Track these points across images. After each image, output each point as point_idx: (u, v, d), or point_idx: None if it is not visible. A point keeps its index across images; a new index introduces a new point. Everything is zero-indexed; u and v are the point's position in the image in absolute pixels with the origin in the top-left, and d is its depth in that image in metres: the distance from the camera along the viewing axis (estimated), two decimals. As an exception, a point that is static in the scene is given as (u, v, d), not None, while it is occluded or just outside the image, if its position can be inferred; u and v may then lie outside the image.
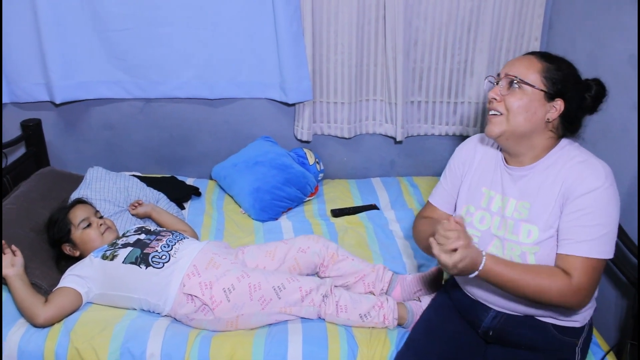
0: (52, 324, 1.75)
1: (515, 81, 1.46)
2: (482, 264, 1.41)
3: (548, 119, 1.47)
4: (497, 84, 1.52)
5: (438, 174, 2.84)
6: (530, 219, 1.50)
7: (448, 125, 2.78)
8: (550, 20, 2.59)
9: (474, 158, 1.68)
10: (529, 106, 1.46)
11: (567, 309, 1.49)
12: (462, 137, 2.82)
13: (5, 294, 1.87)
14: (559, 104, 1.46)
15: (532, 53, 1.53)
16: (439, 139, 2.84)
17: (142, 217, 2.27)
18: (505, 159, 1.60)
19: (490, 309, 1.63)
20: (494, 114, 1.50)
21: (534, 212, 1.50)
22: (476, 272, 1.42)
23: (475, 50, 2.62)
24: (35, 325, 1.74)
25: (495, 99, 1.49)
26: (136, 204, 2.28)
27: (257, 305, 1.75)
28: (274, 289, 1.76)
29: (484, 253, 1.43)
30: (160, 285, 1.80)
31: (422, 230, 1.73)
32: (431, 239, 1.41)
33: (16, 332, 1.73)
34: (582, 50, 2.30)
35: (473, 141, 1.73)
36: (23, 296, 1.74)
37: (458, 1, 2.52)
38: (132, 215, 2.27)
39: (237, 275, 1.79)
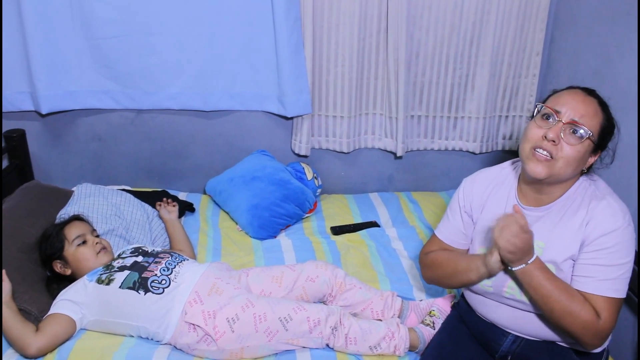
0: (45, 354, 1.63)
1: (584, 134, 1.37)
2: (524, 264, 1.40)
3: (584, 168, 1.46)
4: (549, 118, 1.42)
5: (436, 189, 2.83)
6: (544, 258, 1.46)
7: (447, 140, 2.74)
8: (552, 35, 2.57)
9: (484, 196, 1.62)
10: (581, 158, 1.40)
11: (579, 343, 1.44)
12: (462, 153, 2.78)
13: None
14: (596, 156, 1.45)
15: (589, 93, 1.44)
16: (438, 153, 2.79)
17: (162, 219, 2.32)
18: (519, 197, 1.55)
19: (509, 333, 1.58)
20: (544, 155, 1.40)
21: (550, 251, 1.47)
22: (519, 267, 1.40)
23: (477, 64, 2.58)
24: (26, 357, 1.62)
25: (554, 141, 1.38)
26: (169, 204, 2.35)
27: (263, 337, 1.66)
28: (280, 320, 1.67)
29: (535, 255, 1.41)
30: (161, 312, 1.69)
31: (442, 262, 1.66)
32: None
33: (7, 361, 1.62)
34: (587, 67, 2.28)
35: (483, 177, 1.67)
36: (11, 325, 1.62)
37: (461, 14, 2.48)
38: (160, 211, 2.33)
39: (241, 304, 1.70)
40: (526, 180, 1.52)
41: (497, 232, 1.39)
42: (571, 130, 1.38)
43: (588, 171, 1.49)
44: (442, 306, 1.86)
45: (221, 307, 1.69)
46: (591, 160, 1.44)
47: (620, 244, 1.39)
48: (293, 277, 1.89)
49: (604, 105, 1.43)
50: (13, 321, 1.62)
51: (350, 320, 1.73)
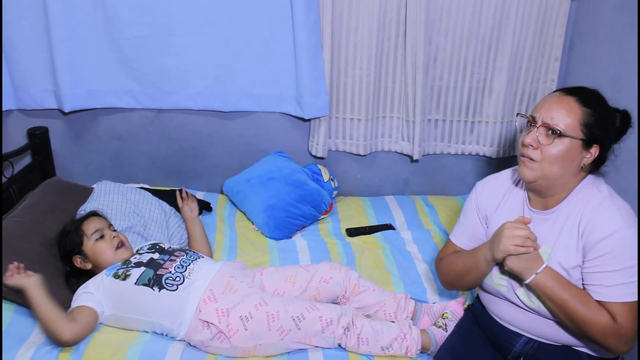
0: (77, 342, 1.67)
1: (555, 132, 1.40)
2: (534, 274, 1.41)
3: (583, 165, 1.45)
4: (530, 126, 1.46)
5: (452, 193, 2.83)
6: (551, 264, 1.46)
7: (465, 144, 2.74)
8: (571, 40, 2.56)
9: (497, 199, 1.64)
10: (566, 156, 1.41)
11: (605, 348, 1.45)
12: (479, 157, 2.78)
13: (11, 314, 1.80)
14: (594, 150, 1.44)
15: (569, 92, 1.46)
16: (455, 157, 2.79)
17: (183, 217, 2.32)
18: (529, 199, 1.57)
19: (522, 335, 1.58)
20: (529, 159, 1.44)
21: (555, 257, 1.47)
22: (530, 279, 1.42)
23: (495, 69, 2.58)
24: (59, 343, 1.65)
25: (532, 146, 1.43)
26: (190, 200, 2.34)
27: (275, 335, 1.68)
28: (293, 319, 1.69)
29: (545, 263, 1.43)
30: (175, 309, 1.72)
31: (452, 262, 1.68)
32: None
33: (25, 353, 1.65)
34: (606, 73, 2.27)
35: (495, 179, 1.69)
36: (47, 308, 1.65)
37: (479, 19, 2.48)
38: (183, 208, 2.32)
39: (255, 302, 1.72)
40: (527, 185, 1.55)
41: (506, 237, 1.44)
42: (546, 132, 1.42)
43: (593, 170, 1.49)
44: (454, 309, 1.87)
45: (235, 305, 1.72)
46: (588, 156, 1.44)
47: (622, 247, 1.38)
48: (307, 278, 1.91)
49: (587, 101, 1.43)
50: (49, 305, 1.66)
51: (362, 321, 1.74)
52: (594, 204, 1.44)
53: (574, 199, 1.47)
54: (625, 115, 1.49)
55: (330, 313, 1.71)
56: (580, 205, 1.46)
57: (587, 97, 1.44)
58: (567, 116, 1.40)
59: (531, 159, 1.44)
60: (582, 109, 1.41)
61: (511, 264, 1.44)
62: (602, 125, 1.42)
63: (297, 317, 1.69)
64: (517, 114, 1.56)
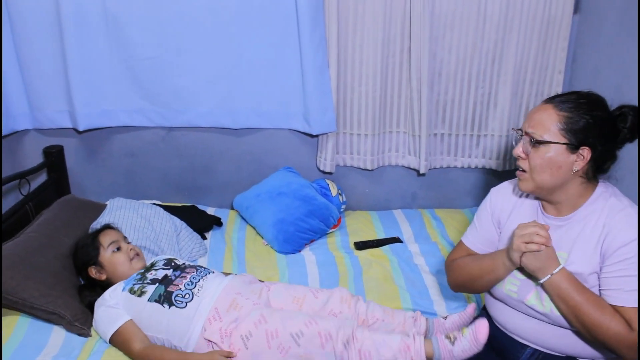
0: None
1: (536, 140, 1.45)
2: (550, 275, 1.43)
3: (578, 170, 1.45)
4: (521, 137, 1.51)
5: (460, 206, 2.85)
6: (569, 269, 1.47)
7: (471, 157, 2.77)
8: (574, 53, 2.59)
9: (510, 205, 1.65)
10: (552, 162, 1.44)
11: (617, 355, 1.44)
12: (485, 170, 2.80)
13: (27, 326, 1.84)
14: (585, 153, 1.43)
15: (552, 100, 1.48)
16: (462, 171, 2.82)
17: None
18: (543, 206, 1.59)
19: (527, 346, 1.59)
20: (521, 171, 1.51)
21: (571, 262, 1.47)
22: (545, 278, 1.44)
23: (499, 82, 2.61)
24: None
25: (521, 157, 1.49)
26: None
27: (276, 353, 1.68)
28: (292, 336, 1.68)
29: (561, 265, 1.44)
30: (183, 327, 1.75)
31: (468, 264, 1.67)
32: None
33: (40, 364, 1.70)
34: (608, 83, 2.29)
35: (509, 186, 1.70)
36: None
37: (483, 33, 2.53)
38: None
39: (254, 320, 1.72)
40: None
41: (517, 236, 1.46)
42: (529, 141, 1.47)
43: (600, 174, 1.50)
44: (479, 331, 1.64)
45: (237, 325, 1.73)
46: (579, 161, 1.43)
47: None
48: (315, 307, 1.88)
49: (562, 105, 1.45)
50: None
51: (363, 334, 1.69)
52: (615, 212, 1.45)
53: (591, 206, 1.49)
54: (634, 111, 1.46)
55: (328, 326, 1.69)
56: (598, 212, 1.47)
57: (563, 101, 1.46)
58: (545, 123, 1.44)
59: (523, 170, 1.50)
60: (558, 114, 1.44)
61: (527, 262, 1.45)
62: (588, 129, 1.42)
63: (296, 333, 1.68)
64: (512, 129, 1.60)
